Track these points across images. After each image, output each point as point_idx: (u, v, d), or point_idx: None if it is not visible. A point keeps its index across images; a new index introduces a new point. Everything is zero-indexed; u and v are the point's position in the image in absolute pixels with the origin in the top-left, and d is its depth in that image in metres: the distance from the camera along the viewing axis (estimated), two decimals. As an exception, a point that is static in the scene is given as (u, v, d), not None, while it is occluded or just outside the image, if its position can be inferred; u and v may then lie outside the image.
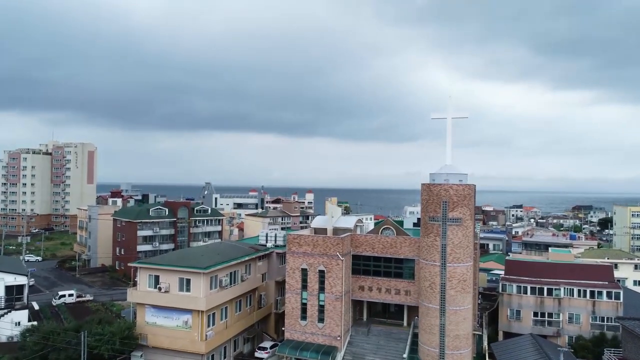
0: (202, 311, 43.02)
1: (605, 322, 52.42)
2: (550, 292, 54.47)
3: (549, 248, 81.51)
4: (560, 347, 49.98)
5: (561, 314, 53.75)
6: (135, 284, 47.47)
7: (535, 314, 54.45)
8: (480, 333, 46.64)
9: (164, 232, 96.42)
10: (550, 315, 54.17)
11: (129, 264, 51.58)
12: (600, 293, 53.16)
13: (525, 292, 55.02)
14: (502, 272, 69.35)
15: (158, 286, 44.52)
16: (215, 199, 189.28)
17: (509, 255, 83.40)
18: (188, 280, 44.00)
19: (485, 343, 47.93)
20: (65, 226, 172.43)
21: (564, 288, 54.00)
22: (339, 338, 43.36)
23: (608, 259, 76.07)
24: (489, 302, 61.57)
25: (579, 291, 53.72)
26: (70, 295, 72.22)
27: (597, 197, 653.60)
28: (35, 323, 52.19)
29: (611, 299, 52.63)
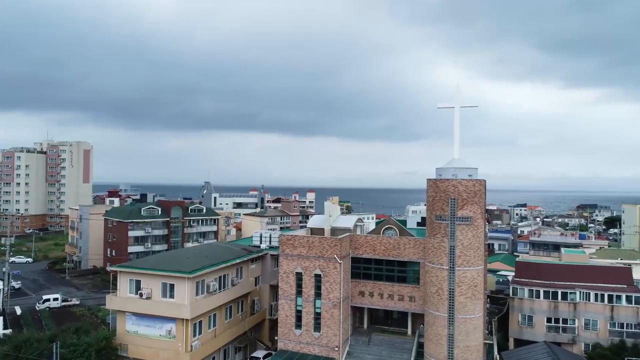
0: (187, 319, 39.24)
1: (625, 329, 48.88)
2: (564, 296, 50.87)
3: (561, 248, 77.59)
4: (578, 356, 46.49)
5: (577, 320, 50.12)
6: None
7: (549, 320, 50.84)
8: (491, 342, 42.83)
9: (157, 232, 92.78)
10: (564, 321, 50.58)
11: (108, 268, 47.84)
12: (619, 297, 49.52)
13: (538, 296, 51.38)
14: (510, 273, 65.91)
15: (139, 292, 40.77)
16: (215, 198, 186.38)
17: (519, 256, 79.52)
18: (172, 286, 40.21)
19: (495, 352, 44.09)
20: (61, 226, 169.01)
21: (580, 292, 50.34)
22: (337, 349, 39.55)
23: (621, 259, 72.30)
24: (497, 306, 57.91)
25: (596, 295, 50.06)
26: (55, 299, 68.50)
27: (600, 195, 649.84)
28: (9, 331, 48.55)
29: (631, 303, 49.04)
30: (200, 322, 41.38)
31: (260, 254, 52.20)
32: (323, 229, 46.59)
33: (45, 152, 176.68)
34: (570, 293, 50.62)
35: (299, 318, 40.92)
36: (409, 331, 43.06)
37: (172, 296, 40.16)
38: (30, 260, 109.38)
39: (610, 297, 49.52)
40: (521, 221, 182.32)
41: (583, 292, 50.26)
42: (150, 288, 40.61)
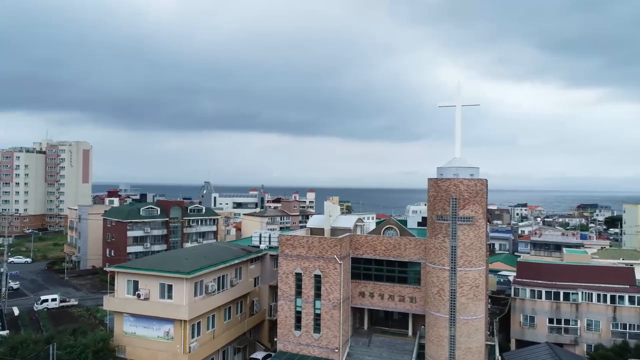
0: (185, 321, 38.74)
1: (628, 330, 48.36)
2: (566, 296, 50.36)
3: (564, 249, 77.06)
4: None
5: (579, 321, 49.63)
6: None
7: (551, 321, 50.32)
8: (493, 343, 42.34)
9: (156, 232, 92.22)
10: (567, 321, 50.06)
11: (105, 269, 47.37)
12: (621, 298, 49.03)
13: (540, 297, 50.88)
14: (510, 273, 65.41)
15: (137, 293, 40.28)
16: (215, 198, 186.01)
17: (520, 256, 78.99)
18: (170, 286, 39.70)
19: (497, 354, 43.63)
20: (60, 227, 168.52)
21: (582, 292, 49.83)
22: (337, 350, 39.10)
23: (623, 259, 71.82)
24: (498, 307, 57.38)
25: (599, 296, 49.55)
26: (54, 299, 68.03)
27: (600, 195, 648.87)
28: (6, 332, 48.04)
29: (634, 304, 48.54)
30: (198, 324, 40.89)
31: (259, 254, 51.73)
32: (323, 229, 46.14)
33: (44, 152, 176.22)
34: (573, 293, 50.13)
35: (298, 319, 40.47)
36: (410, 332, 42.62)
37: (170, 297, 39.65)
38: (29, 260, 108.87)
39: (612, 298, 49.03)
40: (522, 221, 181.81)
41: (585, 293, 49.76)
42: (148, 289, 40.11)
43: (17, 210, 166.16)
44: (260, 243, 55.30)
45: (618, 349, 46.08)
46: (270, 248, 53.74)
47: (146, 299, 40.00)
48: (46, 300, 67.47)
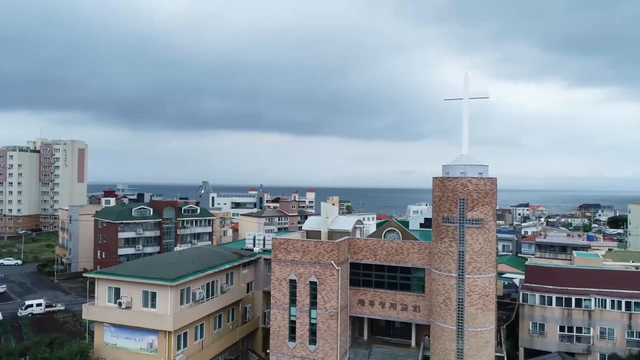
0: (170, 332, 35.79)
1: (644, 338, 45.52)
2: (578, 303, 47.45)
3: (573, 251, 74.07)
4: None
5: (592, 329, 46.72)
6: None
7: (562, 329, 47.42)
8: (502, 354, 39.41)
9: (148, 233, 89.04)
10: (579, 329, 47.15)
11: (84, 275, 44.45)
12: (637, 304, 46.14)
13: (550, 303, 48.00)
14: (515, 276, 62.56)
15: (118, 301, 37.33)
16: (212, 198, 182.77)
17: (526, 258, 76.06)
18: (153, 294, 36.77)
19: (506, 365, 40.74)
20: (54, 227, 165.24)
21: (595, 298, 46.92)
22: (334, 364, 36.13)
23: (633, 262, 68.81)
24: (505, 312, 54.46)
25: (612, 302, 46.67)
26: (39, 305, 65.00)
27: (600, 195, 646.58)
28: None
29: (650, 311, 45.60)
30: (185, 334, 37.94)
31: (252, 258, 48.79)
32: (319, 231, 43.19)
33: (38, 151, 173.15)
34: (585, 300, 47.28)
35: (292, 329, 37.45)
36: (413, 343, 39.66)
37: (153, 306, 36.75)
38: (19, 262, 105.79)
39: (628, 304, 46.21)
40: (524, 221, 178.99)
41: (598, 299, 46.92)
42: (130, 297, 37.20)
43: (11, 210, 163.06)
44: (254, 246, 52.47)
45: (633, 358, 43.53)
46: (265, 251, 50.86)
47: (128, 307, 37.10)
48: (31, 306, 64.47)
